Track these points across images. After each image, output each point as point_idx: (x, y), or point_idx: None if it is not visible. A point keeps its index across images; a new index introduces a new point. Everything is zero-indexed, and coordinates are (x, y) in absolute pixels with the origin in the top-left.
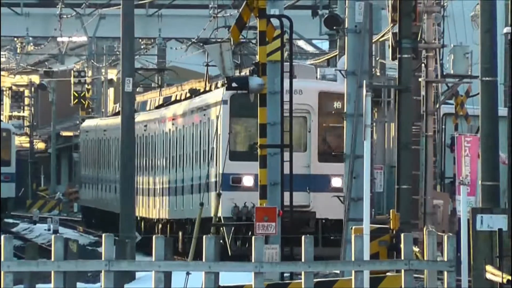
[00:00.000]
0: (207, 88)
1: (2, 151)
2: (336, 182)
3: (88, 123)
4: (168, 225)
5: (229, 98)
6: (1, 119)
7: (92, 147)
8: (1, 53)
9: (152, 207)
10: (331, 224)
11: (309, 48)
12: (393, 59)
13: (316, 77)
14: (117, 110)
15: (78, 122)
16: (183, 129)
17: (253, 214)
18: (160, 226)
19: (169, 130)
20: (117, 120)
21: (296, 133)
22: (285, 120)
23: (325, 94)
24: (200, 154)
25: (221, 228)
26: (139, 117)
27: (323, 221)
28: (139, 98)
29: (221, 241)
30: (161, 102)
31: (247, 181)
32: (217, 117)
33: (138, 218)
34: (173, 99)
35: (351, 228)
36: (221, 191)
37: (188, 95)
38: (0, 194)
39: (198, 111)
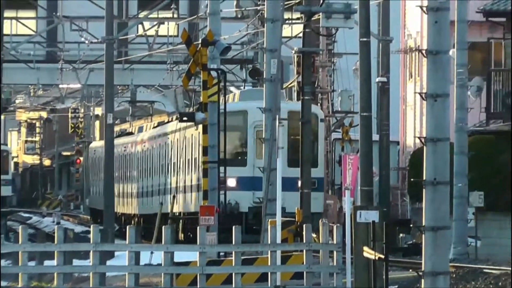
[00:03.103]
0: (166, 120)
1: (3, 165)
2: None
3: (95, 144)
4: (142, 218)
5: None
6: (6, 143)
7: (97, 161)
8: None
9: (129, 206)
10: None
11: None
12: (298, 100)
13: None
14: (116, 135)
15: (74, 145)
16: (149, 150)
17: (235, 209)
18: (136, 219)
19: (141, 150)
20: (115, 141)
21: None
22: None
23: (293, 113)
24: (161, 167)
25: (181, 220)
26: (120, 140)
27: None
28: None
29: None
30: (136, 130)
31: (231, 182)
32: (172, 142)
33: (119, 214)
34: (144, 129)
35: (268, 221)
36: (175, 194)
37: (155, 124)
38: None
39: (160, 137)
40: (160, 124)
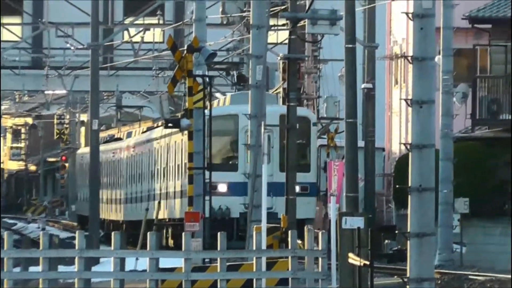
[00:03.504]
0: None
1: None
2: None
3: (83, 150)
4: (128, 225)
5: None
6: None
7: (85, 167)
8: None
9: (116, 212)
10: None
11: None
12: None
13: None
14: (105, 140)
15: (59, 151)
16: (134, 156)
17: (226, 214)
18: (124, 226)
19: (127, 156)
20: (104, 147)
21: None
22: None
23: (285, 117)
24: (146, 174)
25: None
26: (107, 146)
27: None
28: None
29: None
30: (125, 135)
31: (222, 187)
32: (157, 148)
33: (107, 220)
34: (133, 134)
35: (253, 227)
36: (160, 200)
37: (144, 129)
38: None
39: (145, 143)
40: (149, 129)
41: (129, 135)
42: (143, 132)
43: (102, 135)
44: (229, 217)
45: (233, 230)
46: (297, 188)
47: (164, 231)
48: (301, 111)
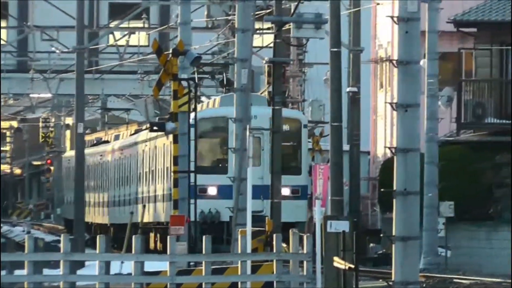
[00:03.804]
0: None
1: None
2: (285, 191)
3: (70, 153)
4: (113, 228)
5: (195, 122)
6: None
7: (72, 171)
8: None
9: (101, 215)
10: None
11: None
12: None
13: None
14: (92, 143)
15: (44, 155)
16: (120, 159)
17: (216, 218)
18: (111, 229)
19: (112, 159)
20: (91, 150)
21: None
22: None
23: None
24: (132, 177)
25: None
26: (94, 150)
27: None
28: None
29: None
30: (112, 138)
31: (211, 191)
32: (143, 151)
33: (95, 224)
34: (121, 137)
35: (238, 230)
36: (146, 204)
37: (132, 132)
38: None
39: (131, 146)
40: (137, 131)
41: (116, 138)
42: (131, 135)
43: (90, 138)
44: (219, 220)
45: (223, 234)
46: (288, 191)
47: (153, 234)
48: (292, 113)
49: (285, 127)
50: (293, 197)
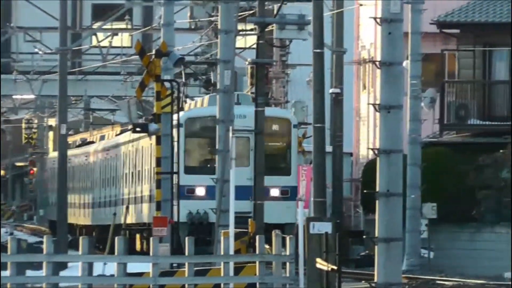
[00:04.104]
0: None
1: None
2: (274, 192)
3: (55, 154)
4: (97, 229)
5: (184, 121)
6: None
7: (72, 172)
8: None
9: (85, 216)
10: (270, 227)
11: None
12: None
13: None
14: (77, 144)
15: (28, 156)
16: (103, 161)
17: (204, 219)
18: (96, 230)
19: (96, 160)
20: (75, 151)
21: (240, 151)
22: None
23: (265, 118)
24: (115, 178)
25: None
26: (78, 151)
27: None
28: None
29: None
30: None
31: (200, 191)
32: (126, 152)
33: (80, 225)
34: (106, 137)
35: (221, 232)
36: (129, 205)
37: (118, 132)
38: None
39: (114, 147)
40: (123, 131)
41: (102, 138)
42: (117, 135)
43: (75, 138)
44: (207, 221)
45: (211, 235)
46: (277, 192)
47: (137, 235)
48: (281, 112)
49: (274, 127)
50: (282, 198)
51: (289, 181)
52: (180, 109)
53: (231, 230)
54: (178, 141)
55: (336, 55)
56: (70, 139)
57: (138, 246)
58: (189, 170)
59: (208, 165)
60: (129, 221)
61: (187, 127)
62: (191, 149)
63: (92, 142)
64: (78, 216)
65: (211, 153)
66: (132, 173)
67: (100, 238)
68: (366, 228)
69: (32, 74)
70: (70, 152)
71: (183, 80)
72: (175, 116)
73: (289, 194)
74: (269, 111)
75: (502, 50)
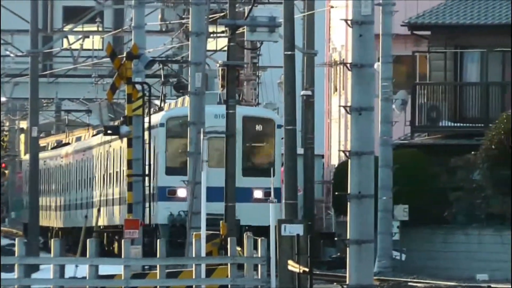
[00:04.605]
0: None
1: None
2: (258, 194)
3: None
4: (67, 232)
5: (165, 121)
6: None
7: (43, 174)
8: None
9: (57, 219)
10: (253, 230)
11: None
12: None
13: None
14: (53, 146)
15: None
16: (75, 163)
17: (186, 221)
18: (68, 233)
19: (68, 163)
20: (50, 153)
21: (222, 152)
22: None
23: (248, 118)
24: (87, 180)
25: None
26: (51, 153)
27: (246, 227)
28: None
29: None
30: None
31: (181, 192)
32: (97, 155)
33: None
34: (82, 138)
35: (193, 234)
36: (100, 207)
37: (94, 133)
38: None
39: (86, 150)
40: (99, 132)
41: (78, 139)
42: (93, 135)
43: (51, 140)
44: None
45: None
46: (260, 194)
47: (116, 239)
48: (265, 112)
49: (258, 127)
50: (265, 200)
51: (273, 182)
52: (160, 108)
53: (203, 232)
54: (149, 144)
55: (307, 57)
56: (45, 141)
57: (110, 249)
58: (170, 171)
59: None
60: (101, 223)
61: (168, 127)
62: (173, 149)
63: (68, 144)
64: (51, 219)
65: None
66: (104, 175)
67: (72, 241)
68: (337, 230)
69: (3, 76)
70: (42, 154)
71: (162, 79)
72: (146, 119)
73: (273, 196)
74: (253, 110)
75: (474, 52)
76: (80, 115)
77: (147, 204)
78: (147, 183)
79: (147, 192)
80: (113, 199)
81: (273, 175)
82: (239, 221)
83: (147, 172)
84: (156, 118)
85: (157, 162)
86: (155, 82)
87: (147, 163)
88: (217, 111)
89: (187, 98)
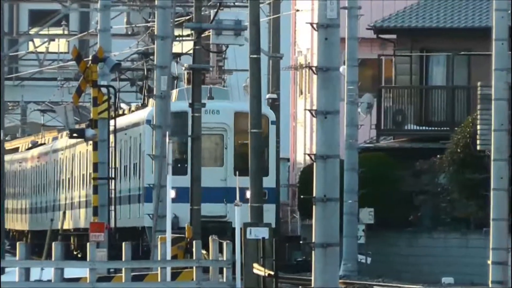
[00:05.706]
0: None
1: None
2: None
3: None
4: (34, 235)
5: (151, 117)
6: None
7: (8, 177)
8: None
9: (22, 222)
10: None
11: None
12: None
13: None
14: (28, 147)
15: None
16: (41, 166)
17: (175, 223)
18: (33, 236)
19: (34, 166)
20: (16, 156)
21: (213, 150)
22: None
23: (240, 114)
24: (52, 183)
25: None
26: (18, 155)
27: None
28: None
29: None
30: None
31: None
32: (63, 158)
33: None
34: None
35: (158, 237)
36: (65, 211)
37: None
38: None
39: (51, 152)
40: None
41: (54, 139)
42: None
43: (25, 141)
44: (177, 226)
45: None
46: None
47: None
48: None
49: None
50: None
51: (268, 182)
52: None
53: (168, 235)
54: (114, 146)
55: (272, 61)
56: (19, 142)
57: (75, 252)
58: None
59: (179, 165)
60: (66, 226)
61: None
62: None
63: (44, 144)
64: (16, 222)
65: (181, 152)
66: (69, 178)
67: (36, 244)
68: (303, 234)
69: None
70: (8, 157)
71: (117, 86)
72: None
73: (267, 196)
74: (246, 106)
75: (439, 55)
76: (50, 119)
77: (111, 207)
78: (112, 186)
79: (112, 195)
80: (79, 202)
81: (267, 174)
82: (230, 223)
83: (112, 175)
84: (142, 114)
85: (143, 161)
86: (124, 86)
87: (133, 162)
88: (208, 106)
89: (174, 93)
